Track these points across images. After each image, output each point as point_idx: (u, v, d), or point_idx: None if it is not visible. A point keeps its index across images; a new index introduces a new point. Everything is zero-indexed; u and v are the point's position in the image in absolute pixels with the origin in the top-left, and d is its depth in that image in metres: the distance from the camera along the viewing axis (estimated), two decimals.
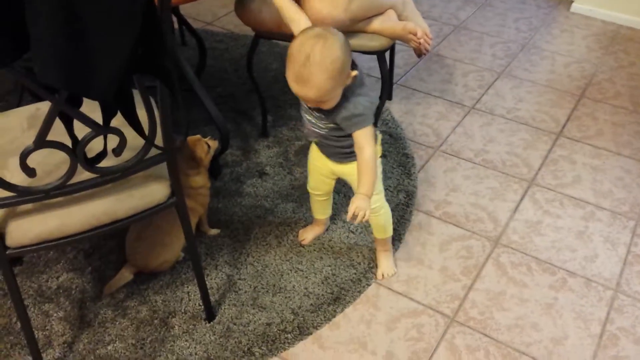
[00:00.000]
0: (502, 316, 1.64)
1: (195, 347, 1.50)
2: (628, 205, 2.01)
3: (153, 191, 1.32)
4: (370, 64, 2.66)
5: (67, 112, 1.09)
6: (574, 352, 1.55)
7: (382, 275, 1.72)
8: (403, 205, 1.97)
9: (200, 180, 1.71)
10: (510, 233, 1.89)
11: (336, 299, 1.65)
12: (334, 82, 1.26)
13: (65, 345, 1.50)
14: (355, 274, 1.73)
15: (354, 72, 1.31)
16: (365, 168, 1.37)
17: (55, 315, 1.57)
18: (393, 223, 1.88)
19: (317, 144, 1.57)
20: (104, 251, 1.75)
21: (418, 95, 2.53)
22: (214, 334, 1.54)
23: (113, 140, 1.18)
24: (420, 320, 1.62)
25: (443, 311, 1.65)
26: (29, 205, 1.21)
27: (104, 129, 1.14)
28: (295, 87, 1.28)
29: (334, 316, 1.61)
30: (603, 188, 2.07)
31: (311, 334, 1.57)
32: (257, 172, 2.07)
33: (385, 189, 2.01)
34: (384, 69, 2.01)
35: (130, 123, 1.14)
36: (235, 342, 1.52)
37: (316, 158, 1.60)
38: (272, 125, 2.26)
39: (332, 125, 1.42)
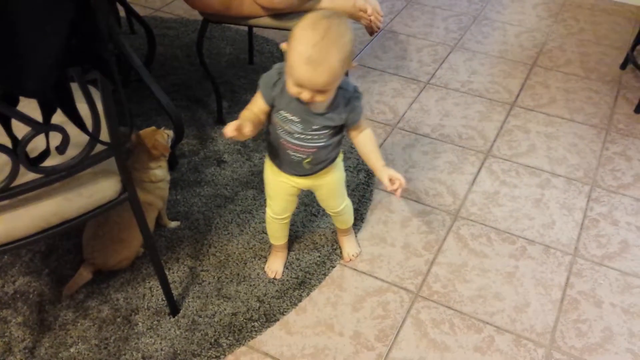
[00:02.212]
0: (465, 288, 1.66)
1: (160, 343, 1.48)
2: (582, 170, 2.05)
3: (103, 188, 1.28)
4: None
5: (2, 111, 1.04)
6: (537, 318, 1.59)
7: (349, 256, 1.72)
8: (363, 185, 1.97)
9: (160, 173, 1.68)
10: (469, 205, 1.91)
11: (301, 283, 1.65)
12: (344, 67, 1.19)
13: (26, 350, 1.47)
14: (319, 256, 1.72)
15: (355, 63, 1.26)
16: (376, 143, 1.41)
17: (13, 321, 1.53)
18: (354, 203, 1.89)
19: (300, 165, 1.40)
20: (60, 252, 1.70)
21: (373, 73, 2.52)
22: (179, 328, 1.52)
23: (57, 139, 1.14)
24: (386, 298, 1.63)
25: (407, 287, 1.66)
26: None
27: (44, 127, 1.10)
28: (304, 70, 1.16)
29: (300, 301, 1.61)
30: (557, 155, 2.11)
31: (278, 320, 1.56)
32: (215, 160, 2.04)
33: (346, 169, 1.98)
34: None
35: (71, 119, 1.10)
36: (202, 334, 1.51)
37: (277, 177, 1.47)
38: (228, 112, 2.23)
39: (331, 129, 1.33)
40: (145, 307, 1.56)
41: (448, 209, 1.90)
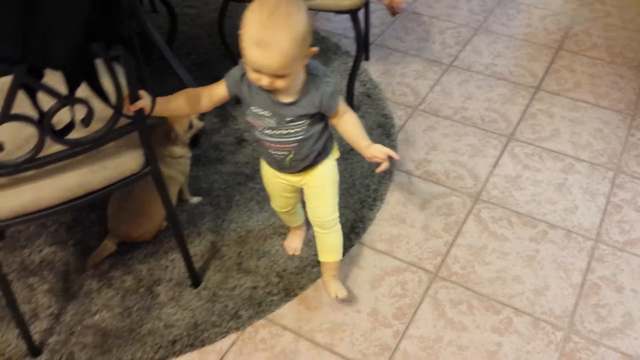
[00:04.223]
0: (484, 270, 1.66)
1: (182, 313, 1.51)
2: (606, 156, 2.02)
3: (127, 161, 1.30)
4: (345, 24, 2.63)
5: (29, 84, 1.06)
6: (556, 301, 1.58)
7: (336, 294, 1.51)
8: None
9: (179, 150, 1.69)
10: (490, 188, 1.90)
11: (320, 262, 1.66)
12: (298, 49, 1.12)
13: (52, 317, 1.50)
14: None
15: (315, 49, 1.19)
16: (359, 123, 1.32)
17: (39, 288, 1.57)
18: (374, 184, 1.89)
19: (283, 162, 1.36)
20: (85, 223, 1.73)
21: (395, 54, 2.50)
22: (200, 300, 1.54)
23: (81, 113, 1.16)
24: (404, 277, 1.64)
25: (426, 267, 1.66)
26: (1, 180, 1.19)
27: (69, 100, 1.12)
28: (254, 53, 1.11)
29: (319, 277, 1.62)
30: (581, 140, 2.09)
31: (297, 295, 1.58)
32: (236, 138, 2.05)
33: None
34: (358, 28, 1.98)
35: (96, 92, 1.12)
36: (222, 306, 1.53)
37: (272, 176, 1.44)
38: None
39: (308, 119, 1.27)
40: (168, 278, 1.59)
41: (469, 191, 1.90)
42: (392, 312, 1.55)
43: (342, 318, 1.54)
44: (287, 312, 1.55)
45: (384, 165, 1.28)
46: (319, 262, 1.65)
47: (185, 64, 1.99)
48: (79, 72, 1.07)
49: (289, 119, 1.25)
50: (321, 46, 2.48)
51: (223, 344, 1.47)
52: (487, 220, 1.80)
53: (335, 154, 1.43)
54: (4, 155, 1.14)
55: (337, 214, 1.47)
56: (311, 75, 1.23)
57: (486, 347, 1.48)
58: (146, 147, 1.30)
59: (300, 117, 1.26)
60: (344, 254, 1.68)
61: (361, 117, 2.15)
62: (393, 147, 2.03)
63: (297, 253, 1.67)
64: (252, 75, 1.17)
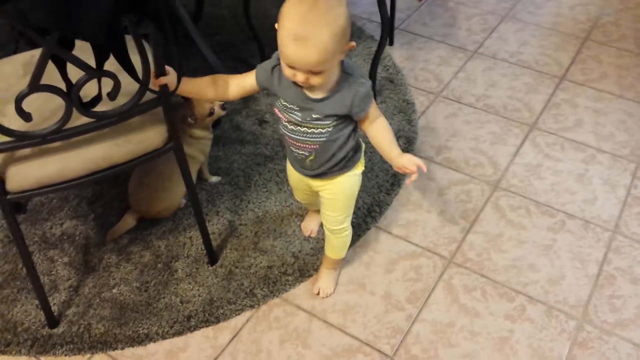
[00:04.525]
0: (500, 257, 1.66)
1: (198, 289, 1.54)
2: (629, 148, 2.00)
3: (150, 136, 1.33)
4: (370, 8, 2.62)
5: (59, 55, 1.08)
6: (570, 291, 1.58)
7: (319, 290, 1.55)
8: (403, 151, 1.96)
9: (199, 132, 1.71)
10: (509, 177, 1.90)
11: None
12: (336, 45, 1.09)
13: (71, 289, 1.54)
14: (355, 218, 1.74)
15: (352, 43, 1.15)
16: (391, 131, 1.27)
17: (60, 260, 1.61)
18: (392, 169, 1.89)
19: (304, 162, 1.33)
20: (106, 199, 1.77)
21: (420, 40, 2.49)
22: (217, 277, 1.57)
23: (107, 87, 1.18)
24: (419, 262, 1.65)
25: (441, 253, 1.67)
26: (27, 151, 1.23)
27: (97, 72, 1.14)
28: (292, 48, 1.09)
29: None
30: (604, 131, 2.06)
31: (311, 276, 1.60)
32: (257, 119, 2.06)
33: None
34: (384, 13, 1.98)
35: (124, 66, 1.14)
36: (238, 284, 1.55)
37: (295, 174, 1.42)
38: None
39: (335, 121, 1.23)
40: (185, 255, 1.62)
41: (488, 179, 1.89)
42: (405, 295, 1.56)
43: (356, 300, 1.55)
44: (301, 292, 1.57)
45: (414, 177, 1.25)
46: None
47: (209, 44, 2.00)
48: (108, 45, 1.08)
49: (316, 116, 1.22)
50: None
51: (237, 320, 1.50)
52: (505, 208, 1.80)
53: (359, 167, 1.38)
54: (32, 126, 1.17)
55: (346, 224, 1.45)
56: (345, 74, 1.20)
57: (498, 334, 1.48)
58: (170, 123, 1.32)
59: (327, 117, 1.22)
60: (360, 238, 1.70)
61: (382, 102, 2.15)
62: (414, 133, 2.03)
63: (314, 235, 1.69)
64: (287, 71, 1.14)
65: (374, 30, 2.49)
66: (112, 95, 1.20)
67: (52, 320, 1.45)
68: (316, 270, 1.60)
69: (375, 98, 2.12)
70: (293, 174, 1.44)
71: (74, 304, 1.51)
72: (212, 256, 1.60)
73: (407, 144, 1.99)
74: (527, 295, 1.57)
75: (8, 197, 1.23)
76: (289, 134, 1.28)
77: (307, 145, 1.27)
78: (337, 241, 1.49)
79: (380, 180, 1.86)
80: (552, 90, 2.23)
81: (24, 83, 1.10)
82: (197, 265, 1.59)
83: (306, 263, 1.62)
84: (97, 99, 1.21)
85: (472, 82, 2.27)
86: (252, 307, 1.52)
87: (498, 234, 1.72)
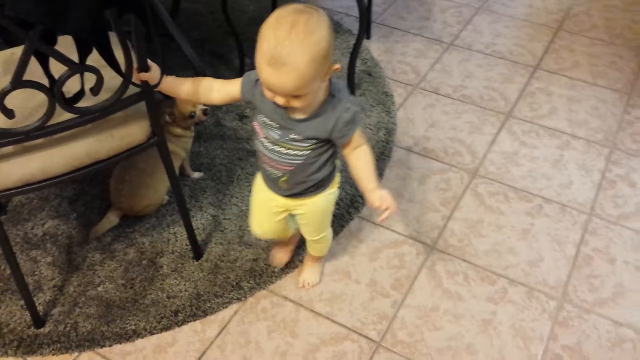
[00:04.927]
0: (480, 242, 1.69)
1: (184, 284, 1.54)
2: (602, 133, 2.05)
3: (133, 131, 1.33)
4: (348, 2, 2.64)
5: (42, 50, 1.08)
6: (550, 272, 1.62)
7: (304, 282, 1.56)
8: (383, 142, 1.99)
9: (178, 131, 1.71)
10: (487, 164, 1.93)
11: None
12: (316, 70, 1.04)
13: (56, 288, 1.54)
14: (338, 209, 1.76)
15: (337, 66, 1.09)
16: (371, 161, 1.23)
17: (43, 260, 1.60)
18: (374, 159, 1.92)
19: (277, 182, 1.28)
20: (87, 198, 1.76)
21: (397, 33, 2.52)
22: (203, 271, 1.58)
23: (90, 83, 1.18)
24: (402, 250, 1.67)
25: (424, 240, 1.70)
26: (10, 149, 1.22)
27: (80, 67, 1.14)
28: (267, 72, 1.03)
29: None
30: (578, 118, 2.11)
31: (297, 267, 1.61)
32: (237, 115, 2.07)
33: (365, 127, 2.03)
34: (362, 6, 2.00)
35: (107, 60, 1.14)
36: (224, 277, 1.56)
37: (264, 196, 1.35)
38: (250, 68, 2.24)
39: (313, 145, 1.18)
40: (170, 251, 1.62)
41: (467, 167, 1.92)
42: (390, 282, 1.59)
43: (342, 289, 1.58)
44: (288, 283, 1.58)
45: (385, 215, 1.18)
46: None
47: (187, 40, 2.00)
48: (91, 39, 1.08)
49: (293, 136, 1.17)
50: None
51: (225, 313, 1.51)
52: (484, 195, 1.83)
53: (334, 185, 1.35)
54: (13, 123, 1.17)
55: (326, 232, 1.44)
56: (332, 97, 1.14)
57: (482, 316, 1.52)
58: (153, 118, 1.33)
59: (306, 139, 1.17)
60: (343, 228, 1.72)
61: (362, 94, 2.17)
62: (393, 124, 2.06)
63: (281, 264, 1.59)
64: (267, 93, 1.10)
65: (351, 24, 2.52)
66: (95, 90, 1.20)
67: (38, 320, 1.44)
68: (301, 261, 1.62)
69: (354, 91, 2.17)
70: (262, 195, 1.35)
71: (59, 303, 1.50)
72: (197, 251, 1.60)
73: (387, 134, 2.01)
74: (508, 278, 1.60)
75: None
76: (264, 152, 1.23)
77: (281, 166, 1.22)
78: (319, 245, 1.50)
79: None
80: (526, 80, 2.28)
81: (4, 81, 1.10)
82: (183, 261, 1.60)
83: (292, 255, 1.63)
84: (80, 94, 1.21)
85: (448, 74, 2.31)
86: (239, 299, 1.53)
87: (478, 220, 1.76)
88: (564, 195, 1.83)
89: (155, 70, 1.23)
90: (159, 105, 1.65)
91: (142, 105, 1.31)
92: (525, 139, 2.03)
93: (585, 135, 2.04)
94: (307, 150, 1.19)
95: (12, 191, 1.24)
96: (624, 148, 1.99)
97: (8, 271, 1.56)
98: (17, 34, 1.02)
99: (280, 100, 1.08)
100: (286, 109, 1.13)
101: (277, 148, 1.20)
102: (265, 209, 1.38)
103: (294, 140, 1.17)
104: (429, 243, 1.69)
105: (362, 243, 1.69)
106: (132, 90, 1.24)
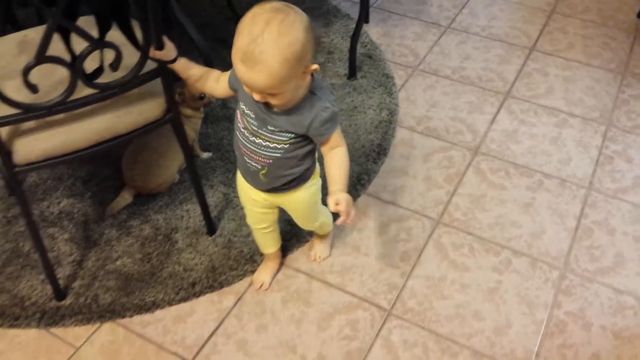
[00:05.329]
0: (484, 216, 1.75)
1: (200, 258, 1.59)
2: (598, 111, 2.11)
3: (150, 108, 1.36)
4: None
5: (65, 25, 1.12)
6: (552, 244, 1.68)
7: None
8: (386, 122, 2.04)
9: (189, 111, 1.75)
10: (488, 142, 1.99)
11: None
12: (290, 70, 1.03)
13: (75, 263, 1.57)
14: None
15: (315, 66, 1.09)
16: (344, 164, 1.20)
17: (60, 237, 1.63)
18: (378, 139, 1.97)
19: (256, 176, 1.27)
20: (100, 177, 1.80)
21: (394, 17, 2.56)
22: (217, 246, 1.62)
23: (108, 60, 1.22)
24: (409, 224, 1.72)
25: (429, 215, 1.75)
26: (32, 124, 1.25)
27: (101, 43, 1.17)
28: (241, 69, 1.03)
29: None
30: (574, 97, 2.17)
31: (307, 241, 1.66)
32: None
33: (368, 108, 2.07)
34: None
35: (126, 35, 1.18)
36: (238, 251, 1.61)
37: (246, 189, 1.35)
38: None
39: (291, 139, 1.18)
40: (184, 227, 1.66)
41: (468, 145, 1.98)
42: (398, 255, 1.64)
43: (352, 261, 1.62)
44: (300, 255, 1.63)
45: (342, 220, 1.15)
46: None
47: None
48: (111, 15, 1.12)
49: (271, 128, 1.16)
50: (322, 9, 2.53)
51: (240, 285, 1.56)
52: (486, 171, 1.89)
53: (315, 177, 1.34)
54: (34, 99, 1.20)
55: (319, 222, 1.46)
56: (312, 94, 1.14)
57: (487, 285, 1.57)
58: (168, 95, 1.36)
59: (283, 132, 1.17)
60: None
61: (363, 77, 2.21)
62: (395, 105, 2.11)
63: (265, 288, 1.54)
64: (245, 88, 1.10)
65: (349, 8, 2.56)
66: (114, 66, 1.23)
67: (59, 293, 1.48)
68: (311, 235, 1.66)
69: (355, 74, 2.21)
70: (245, 191, 1.36)
71: (79, 277, 1.54)
72: (211, 226, 1.64)
73: (390, 114, 2.06)
74: (512, 249, 1.66)
75: (15, 169, 1.25)
76: (244, 142, 1.22)
77: (260, 158, 1.22)
78: (320, 230, 1.54)
79: (366, 150, 1.93)
80: (523, 61, 2.34)
81: (20, 61, 1.13)
82: (197, 236, 1.64)
83: (301, 230, 1.67)
84: (99, 71, 1.25)
85: (447, 56, 2.36)
86: (253, 272, 1.57)
87: (481, 195, 1.81)
88: (563, 171, 1.89)
89: (170, 49, 1.27)
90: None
91: (157, 83, 1.34)
92: (524, 117, 2.08)
93: (582, 113, 2.10)
94: (286, 144, 1.19)
95: (35, 165, 1.27)
96: (620, 125, 2.06)
97: (26, 247, 1.59)
98: (41, 11, 1.05)
99: (256, 97, 1.08)
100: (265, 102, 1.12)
101: (256, 140, 1.19)
102: (251, 202, 1.39)
103: (272, 132, 1.17)
104: (435, 217, 1.74)
105: (369, 219, 1.74)
106: (149, 67, 1.28)
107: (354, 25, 2.23)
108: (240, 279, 1.56)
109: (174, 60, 1.27)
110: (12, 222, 1.66)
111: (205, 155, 1.89)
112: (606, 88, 2.21)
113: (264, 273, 1.56)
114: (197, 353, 1.42)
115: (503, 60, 2.33)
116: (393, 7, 2.62)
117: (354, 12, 2.41)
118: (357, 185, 1.82)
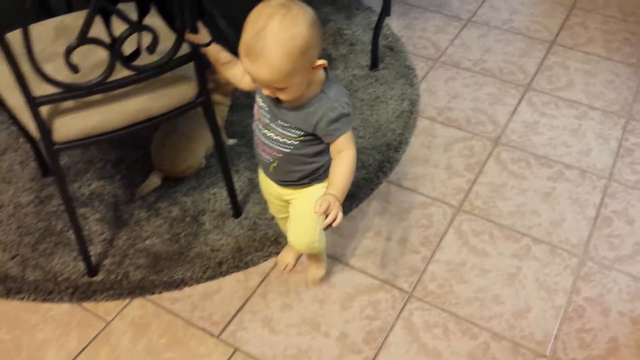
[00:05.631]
0: (504, 205, 1.78)
1: (226, 239, 1.63)
2: (618, 105, 2.13)
3: (183, 90, 1.41)
4: None
5: (107, 8, 1.16)
6: (571, 232, 1.70)
7: (308, 281, 1.57)
8: (407, 112, 2.07)
9: (219, 98, 1.79)
10: (509, 133, 2.01)
11: (352, 196, 1.77)
12: (293, 64, 1.04)
13: (106, 242, 1.63)
14: (367, 173, 1.85)
15: (322, 62, 1.09)
16: (348, 169, 1.17)
17: (92, 217, 1.69)
18: (399, 128, 2.00)
19: (268, 168, 1.29)
20: (129, 161, 1.85)
21: (415, 10, 2.59)
22: (242, 228, 1.66)
23: (145, 44, 1.26)
24: (430, 211, 1.76)
25: (450, 202, 1.78)
26: (71, 104, 1.30)
27: (140, 26, 1.22)
28: (246, 63, 1.06)
29: (351, 210, 1.74)
30: (595, 90, 2.19)
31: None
32: None
33: (390, 98, 2.11)
34: None
35: (165, 17, 1.22)
36: (263, 234, 1.65)
37: (265, 182, 1.37)
38: None
39: (301, 137, 1.18)
40: (211, 209, 1.71)
41: (489, 135, 2.01)
42: (419, 240, 1.68)
43: (374, 246, 1.66)
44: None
45: (327, 222, 1.11)
46: (350, 197, 1.77)
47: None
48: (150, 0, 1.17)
49: (281, 123, 1.18)
50: (343, 1, 2.57)
51: (265, 266, 1.60)
52: (507, 161, 1.91)
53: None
54: (73, 81, 1.25)
55: (315, 244, 1.36)
56: (322, 93, 1.15)
57: (507, 270, 1.60)
58: (200, 78, 1.41)
59: (293, 129, 1.18)
60: (372, 191, 1.80)
61: (385, 68, 2.25)
62: (416, 95, 2.14)
63: (289, 269, 1.58)
64: (256, 82, 1.12)
65: (370, 1, 2.59)
66: (151, 49, 1.28)
67: (91, 270, 1.53)
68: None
69: (377, 65, 2.24)
70: (263, 181, 1.40)
71: (110, 255, 1.59)
72: (237, 209, 1.69)
73: (411, 105, 2.09)
74: (532, 237, 1.69)
75: (55, 147, 1.31)
76: (258, 135, 1.26)
77: (271, 151, 1.24)
78: (312, 250, 1.41)
79: (387, 139, 1.96)
80: (543, 54, 2.36)
81: (57, 45, 1.18)
82: (223, 218, 1.69)
83: None
84: (137, 53, 1.30)
85: (468, 49, 2.38)
86: (277, 253, 1.61)
87: (501, 184, 1.84)
88: (583, 162, 1.91)
89: (204, 33, 1.31)
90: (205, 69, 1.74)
91: (189, 68, 1.39)
92: (545, 109, 2.11)
93: (602, 106, 2.12)
94: (296, 141, 1.19)
95: (73, 143, 1.33)
96: None
97: (59, 226, 1.65)
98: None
99: (265, 91, 1.11)
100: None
101: (268, 132, 1.22)
102: (267, 196, 1.44)
103: (282, 127, 1.19)
104: (455, 205, 1.78)
105: (390, 205, 1.78)
106: (182, 51, 1.33)
107: (375, 18, 2.27)
108: (265, 260, 1.60)
109: (208, 44, 1.31)
110: (44, 202, 1.72)
111: (231, 141, 1.93)
112: (626, 82, 2.23)
113: (288, 255, 1.60)
114: (224, 329, 1.47)
115: (524, 54, 2.36)
116: (414, 0, 2.65)
117: (375, 5, 2.45)
118: (378, 172, 1.85)
